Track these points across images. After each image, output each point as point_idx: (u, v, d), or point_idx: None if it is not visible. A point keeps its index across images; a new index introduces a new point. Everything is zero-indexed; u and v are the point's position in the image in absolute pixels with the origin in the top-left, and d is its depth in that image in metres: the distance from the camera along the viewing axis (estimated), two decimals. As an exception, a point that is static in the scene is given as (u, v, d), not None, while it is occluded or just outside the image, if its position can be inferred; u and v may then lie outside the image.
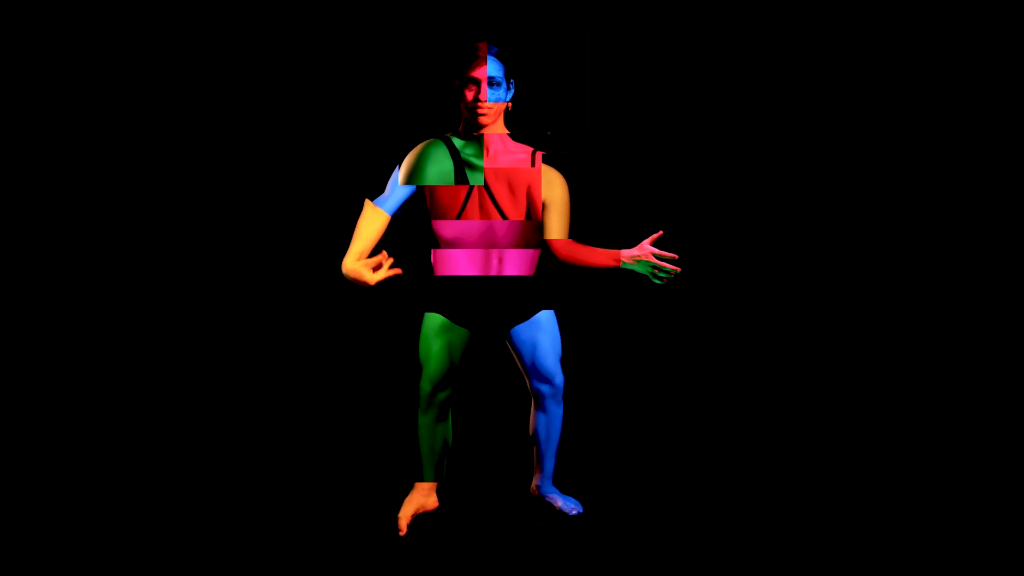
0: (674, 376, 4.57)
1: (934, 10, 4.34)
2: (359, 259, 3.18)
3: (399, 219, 3.31)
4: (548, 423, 3.48)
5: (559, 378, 3.44)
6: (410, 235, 3.38)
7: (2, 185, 4.36)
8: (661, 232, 3.31)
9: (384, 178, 3.40)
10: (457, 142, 3.33)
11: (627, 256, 3.31)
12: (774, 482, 3.89)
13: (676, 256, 3.29)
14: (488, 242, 3.31)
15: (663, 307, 4.49)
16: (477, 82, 3.25)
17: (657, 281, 3.30)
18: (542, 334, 3.40)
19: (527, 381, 3.46)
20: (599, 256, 3.34)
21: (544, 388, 3.44)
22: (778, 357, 4.53)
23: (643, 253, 3.29)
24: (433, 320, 3.35)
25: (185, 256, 4.46)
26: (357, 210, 3.27)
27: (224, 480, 3.92)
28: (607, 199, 4.38)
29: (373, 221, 3.24)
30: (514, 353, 3.44)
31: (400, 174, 3.30)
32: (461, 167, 3.30)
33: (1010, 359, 4.39)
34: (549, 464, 3.53)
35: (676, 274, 3.28)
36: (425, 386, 3.36)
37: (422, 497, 3.42)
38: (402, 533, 3.34)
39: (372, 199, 3.29)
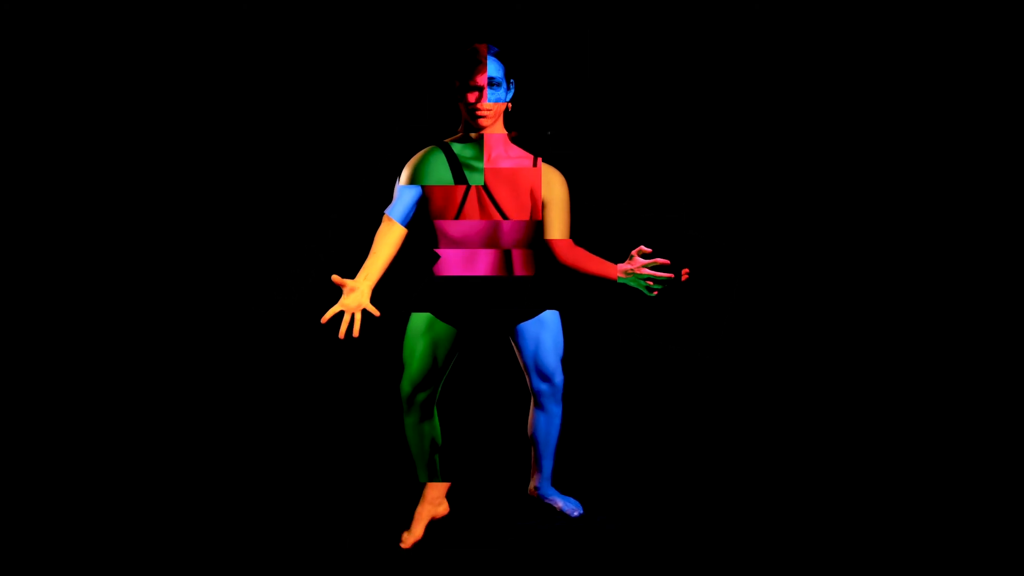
0: (674, 376, 4.57)
1: (934, 10, 4.34)
2: (364, 276, 3.15)
3: (409, 223, 3.32)
4: (547, 423, 3.48)
5: (559, 377, 3.44)
6: (412, 235, 3.39)
7: (2, 185, 4.37)
8: (649, 249, 3.31)
9: (386, 180, 3.41)
10: (456, 145, 3.33)
11: (620, 271, 3.32)
12: (774, 482, 3.89)
13: (668, 262, 3.30)
14: (488, 242, 3.32)
15: (662, 308, 4.49)
16: (477, 84, 3.25)
17: (649, 293, 3.32)
18: (545, 332, 3.40)
19: (527, 379, 3.46)
20: (599, 266, 3.36)
21: (543, 387, 3.44)
22: (777, 357, 4.53)
23: (634, 266, 3.30)
24: (419, 320, 3.34)
25: (186, 258, 4.46)
26: (358, 210, 3.28)
27: (228, 481, 3.93)
28: (605, 203, 4.38)
29: (388, 237, 3.24)
30: (516, 350, 3.45)
31: (401, 180, 3.31)
32: (460, 169, 3.30)
33: (1010, 359, 4.39)
34: (547, 465, 3.53)
35: (669, 281, 3.29)
36: (405, 387, 3.36)
37: (432, 507, 3.41)
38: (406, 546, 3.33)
39: (374, 203, 3.30)
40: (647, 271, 3.29)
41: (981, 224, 4.41)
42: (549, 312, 3.42)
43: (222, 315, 4.48)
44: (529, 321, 3.39)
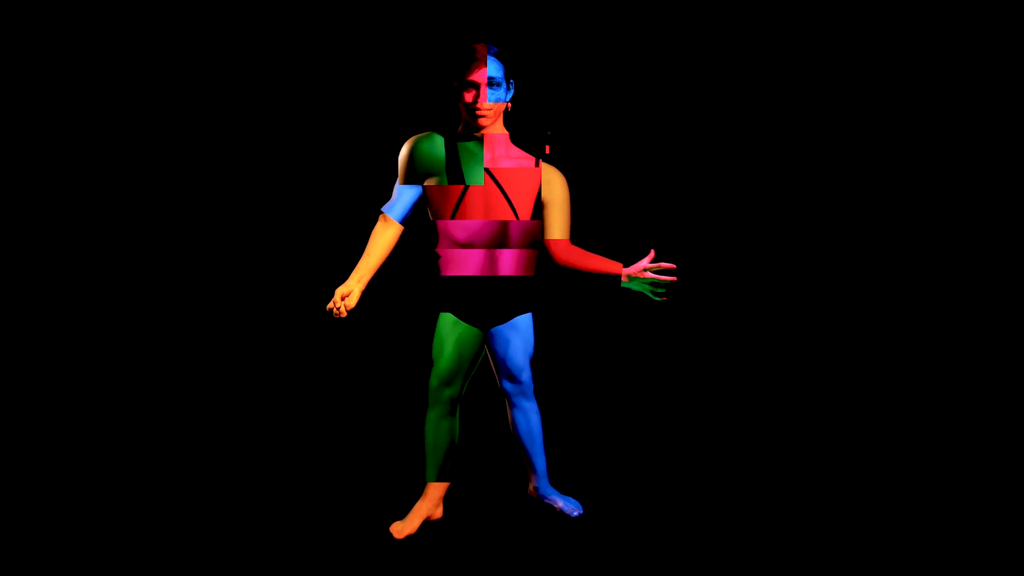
0: (673, 376, 4.56)
1: (934, 10, 4.33)
2: (357, 279, 3.24)
3: (409, 219, 3.34)
4: (525, 419, 3.47)
5: (526, 374, 3.44)
6: (413, 235, 3.39)
7: (2, 185, 4.37)
8: (654, 254, 3.32)
9: (385, 180, 3.41)
10: (456, 138, 3.33)
11: (624, 272, 3.33)
12: (774, 482, 3.89)
13: (674, 266, 3.30)
14: (489, 242, 3.32)
15: (662, 308, 4.49)
16: (477, 84, 3.25)
17: (655, 299, 3.33)
18: (515, 333, 3.41)
19: (497, 381, 3.47)
20: (602, 263, 3.36)
21: (510, 386, 3.44)
22: (777, 357, 4.53)
23: (637, 271, 3.31)
24: (447, 317, 3.36)
25: (186, 258, 4.46)
26: (356, 211, 3.28)
27: (227, 481, 3.93)
28: (605, 204, 4.37)
29: (383, 236, 3.28)
30: (488, 352, 3.45)
31: (399, 175, 3.31)
32: (457, 164, 3.30)
33: (1010, 359, 4.39)
34: (540, 462, 3.52)
35: (673, 284, 3.31)
36: (433, 382, 3.38)
37: (432, 506, 3.41)
38: (399, 536, 3.33)
39: (374, 203, 3.31)
40: (651, 275, 3.29)
41: (981, 224, 4.41)
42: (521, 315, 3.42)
43: (222, 315, 4.48)
44: (503, 324, 3.40)
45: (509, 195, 3.31)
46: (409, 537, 3.33)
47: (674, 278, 3.30)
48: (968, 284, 4.42)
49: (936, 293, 4.44)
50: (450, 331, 3.36)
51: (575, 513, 3.50)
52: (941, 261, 4.43)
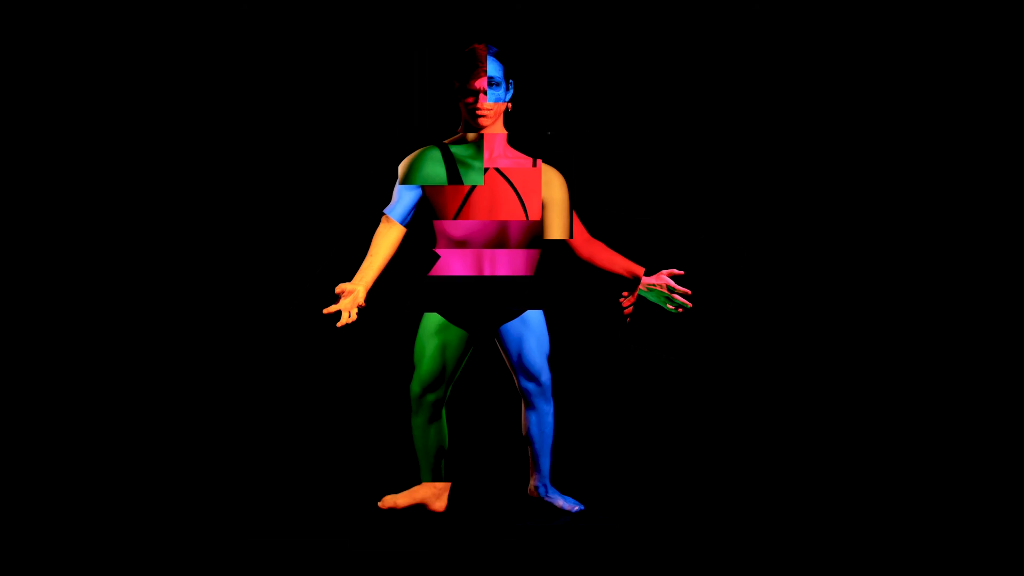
0: (673, 377, 4.57)
1: (934, 10, 4.33)
2: (361, 282, 3.20)
3: (411, 221, 3.34)
4: (539, 421, 3.48)
5: (545, 375, 3.44)
6: (412, 235, 3.39)
7: (2, 185, 4.37)
8: (680, 272, 3.36)
9: (385, 180, 3.41)
10: (453, 146, 3.34)
11: (644, 283, 3.36)
12: (774, 482, 3.89)
13: (689, 292, 3.35)
14: (490, 242, 3.32)
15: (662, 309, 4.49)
16: (477, 85, 3.26)
17: (670, 309, 3.37)
18: (528, 331, 3.41)
19: (515, 379, 3.47)
20: (621, 263, 3.40)
21: (530, 386, 3.44)
22: (776, 358, 4.53)
23: (660, 283, 3.35)
24: (431, 320, 3.36)
25: (188, 258, 4.46)
26: (355, 212, 3.28)
27: (229, 481, 3.93)
28: (605, 205, 4.38)
29: (386, 238, 3.26)
30: (502, 351, 3.45)
31: (399, 179, 3.32)
32: (455, 168, 3.31)
33: (1010, 360, 4.39)
34: (545, 464, 3.53)
35: (687, 308, 3.37)
36: (415, 387, 3.37)
37: (429, 493, 3.42)
38: (382, 506, 3.39)
39: (372, 203, 3.31)
40: (668, 292, 3.35)
41: (981, 225, 4.41)
42: (532, 311, 3.42)
43: (224, 315, 4.49)
44: (511, 321, 3.40)
45: (521, 194, 3.32)
46: (392, 510, 3.39)
47: (690, 304, 3.36)
48: (968, 286, 4.42)
49: (936, 293, 4.44)
50: (434, 334, 3.35)
51: (576, 510, 3.50)
52: (941, 261, 4.43)
